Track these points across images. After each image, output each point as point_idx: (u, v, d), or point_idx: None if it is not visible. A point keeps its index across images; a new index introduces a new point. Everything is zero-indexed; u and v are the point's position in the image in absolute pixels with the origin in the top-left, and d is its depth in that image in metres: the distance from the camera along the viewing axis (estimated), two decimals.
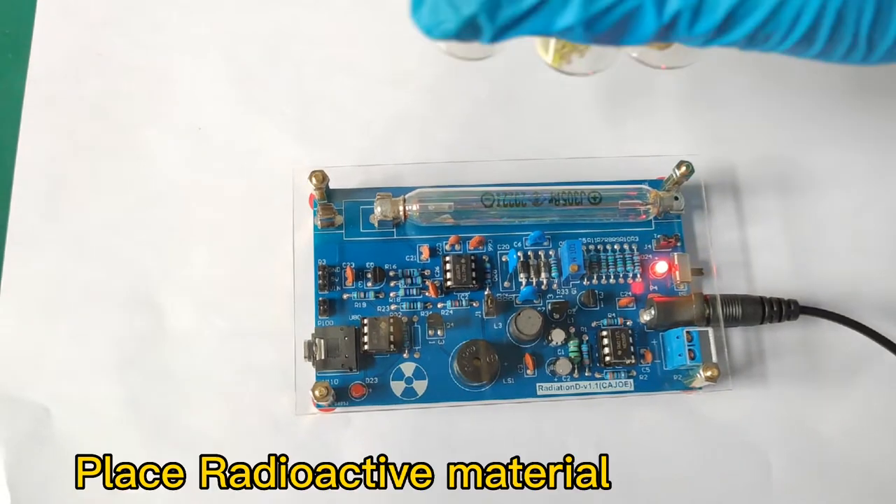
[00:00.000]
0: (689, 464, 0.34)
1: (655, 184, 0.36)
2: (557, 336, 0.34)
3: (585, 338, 0.34)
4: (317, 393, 0.31)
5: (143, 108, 0.38)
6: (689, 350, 0.33)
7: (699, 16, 0.21)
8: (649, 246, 0.36)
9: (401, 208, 0.34)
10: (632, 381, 0.34)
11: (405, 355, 0.34)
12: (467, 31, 0.21)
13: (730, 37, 0.22)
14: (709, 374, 0.32)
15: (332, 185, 0.34)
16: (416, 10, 0.21)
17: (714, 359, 0.34)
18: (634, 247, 0.36)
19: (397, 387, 0.33)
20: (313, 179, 0.33)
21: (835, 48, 0.23)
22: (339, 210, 0.35)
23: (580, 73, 0.31)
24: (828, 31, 0.22)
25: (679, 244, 0.36)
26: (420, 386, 0.33)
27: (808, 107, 0.39)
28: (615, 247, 0.36)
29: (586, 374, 0.34)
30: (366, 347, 0.33)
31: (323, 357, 0.32)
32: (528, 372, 0.34)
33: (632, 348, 0.34)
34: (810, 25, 0.22)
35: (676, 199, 0.36)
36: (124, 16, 0.39)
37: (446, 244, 0.35)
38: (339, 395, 0.33)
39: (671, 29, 0.21)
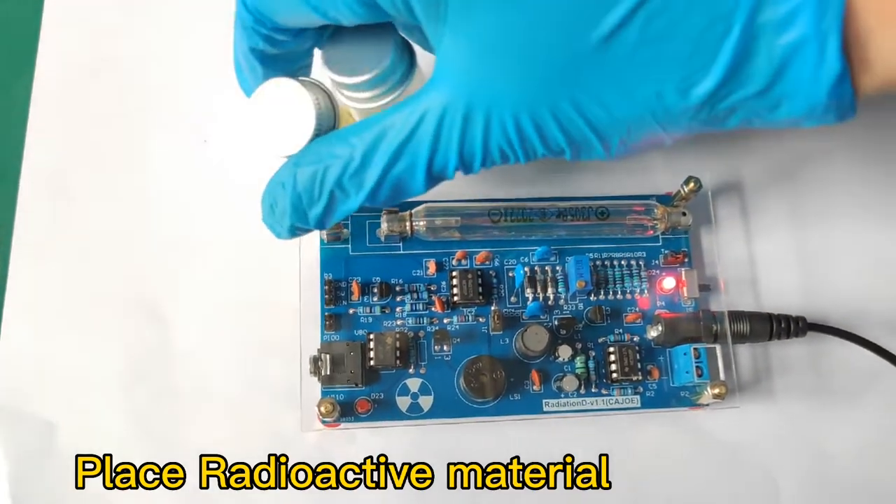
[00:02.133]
0: (695, 481, 0.34)
1: (663, 199, 0.36)
2: (564, 352, 0.34)
3: (592, 354, 0.34)
4: (322, 409, 0.31)
5: (149, 118, 0.38)
6: (697, 367, 0.33)
7: (463, 168, 0.25)
8: (657, 262, 0.36)
9: (407, 223, 0.34)
10: (638, 397, 0.34)
11: (411, 371, 0.34)
12: (299, 232, 0.27)
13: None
14: (716, 391, 0.32)
15: None
16: (266, 224, 0.28)
17: (721, 376, 0.34)
18: (642, 262, 0.36)
19: (403, 402, 0.33)
20: None
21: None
22: (345, 224, 0.35)
23: None
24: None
25: (686, 260, 0.36)
26: (426, 401, 0.33)
27: None
28: (622, 262, 0.35)
29: (593, 391, 0.34)
30: (372, 363, 0.33)
31: (328, 372, 0.32)
32: (535, 388, 0.34)
33: (639, 365, 0.34)
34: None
35: (684, 214, 0.35)
36: (131, 25, 0.39)
37: (453, 259, 0.35)
38: (344, 411, 0.33)
39: (440, 179, 0.26)
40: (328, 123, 0.27)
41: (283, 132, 0.27)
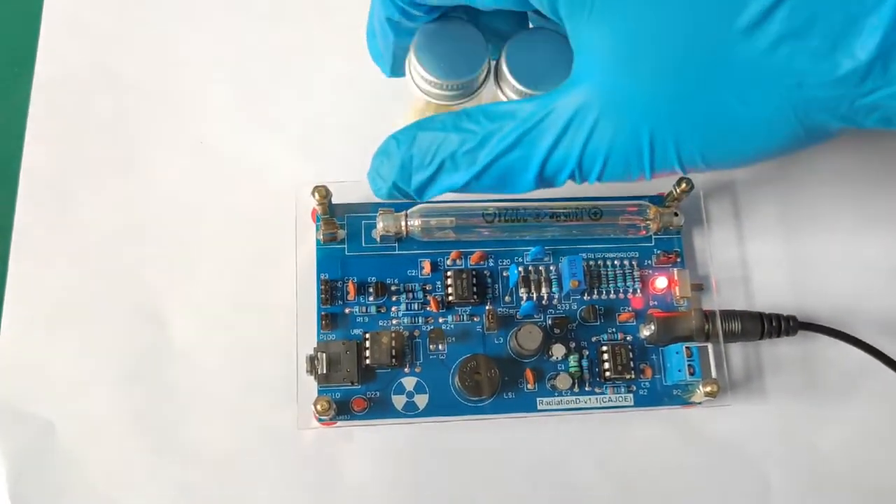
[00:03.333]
0: (688, 478, 0.34)
1: (656, 200, 0.36)
2: (558, 351, 0.34)
3: (586, 353, 0.35)
4: (318, 407, 0.31)
5: (147, 122, 0.38)
6: (689, 365, 0.34)
7: (578, 174, 0.25)
8: (649, 261, 0.36)
9: (403, 223, 0.34)
10: (632, 396, 0.34)
11: (406, 369, 0.34)
12: (398, 194, 0.27)
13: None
14: (708, 389, 0.33)
15: (334, 200, 0.35)
16: (369, 178, 0.28)
17: (713, 374, 0.34)
18: (634, 262, 0.36)
19: (398, 401, 0.34)
20: (316, 194, 0.34)
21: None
22: (341, 225, 0.35)
23: None
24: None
25: (679, 260, 0.36)
26: (421, 400, 0.34)
27: None
28: (615, 262, 0.36)
29: (586, 389, 0.34)
30: (367, 362, 0.33)
31: (325, 371, 0.33)
32: (529, 386, 0.34)
33: (632, 363, 0.34)
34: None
35: (676, 215, 0.36)
36: (130, 30, 0.39)
37: (448, 259, 0.35)
38: (340, 409, 0.33)
39: (550, 182, 0.26)
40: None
41: (457, 60, 0.29)
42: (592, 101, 0.23)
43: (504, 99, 0.32)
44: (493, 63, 0.31)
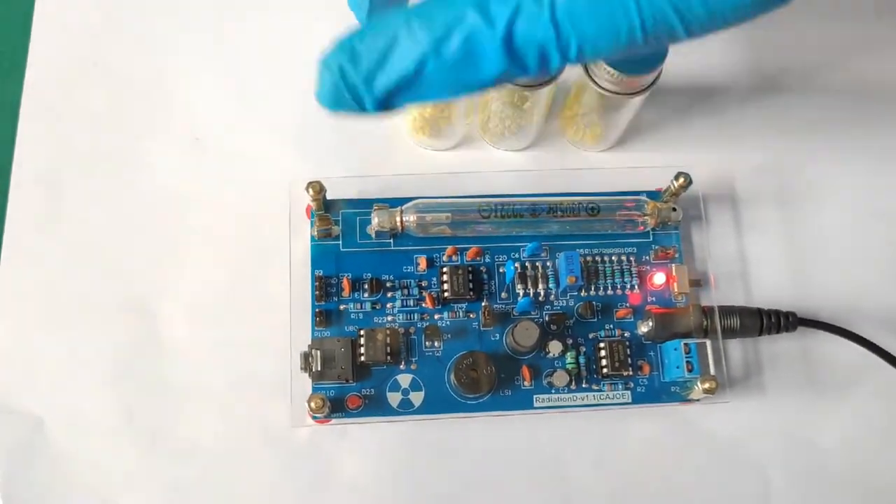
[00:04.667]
0: (686, 475, 0.34)
1: (653, 195, 0.36)
2: (554, 348, 0.34)
3: (583, 349, 0.34)
4: (312, 404, 0.31)
5: (140, 118, 0.38)
6: (687, 362, 0.33)
7: (555, 40, 0.21)
8: (647, 257, 0.36)
9: (398, 219, 0.34)
10: (629, 392, 0.34)
11: (402, 366, 0.34)
12: (346, 94, 0.22)
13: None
14: (706, 386, 0.32)
15: (329, 196, 0.34)
16: (317, 76, 0.23)
17: (712, 371, 0.34)
18: (632, 258, 0.36)
19: (394, 398, 0.33)
20: (310, 190, 0.33)
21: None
22: (335, 221, 0.35)
23: (436, 148, 0.38)
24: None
25: (677, 255, 0.36)
26: (417, 397, 0.33)
27: (806, 118, 0.39)
28: (613, 258, 0.36)
29: (584, 386, 0.34)
30: (362, 359, 0.33)
31: (319, 368, 0.32)
32: (525, 384, 0.34)
33: (629, 360, 0.34)
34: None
35: (674, 210, 0.36)
36: (122, 26, 0.39)
37: (443, 255, 0.35)
38: (335, 407, 0.33)
39: (522, 60, 0.22)
40: None
41: None
42: None
43: None
44: None
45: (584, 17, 0.21)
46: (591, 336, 0.35)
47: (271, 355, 0.34)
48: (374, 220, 0.34)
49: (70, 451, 0.33)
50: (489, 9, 0.21)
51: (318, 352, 0.33)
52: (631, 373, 0.34)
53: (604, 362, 0.34)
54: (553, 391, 0.34)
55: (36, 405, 0.33)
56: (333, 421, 0.33)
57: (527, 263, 0.35)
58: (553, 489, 0.34)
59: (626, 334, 0.35)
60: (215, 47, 0.39)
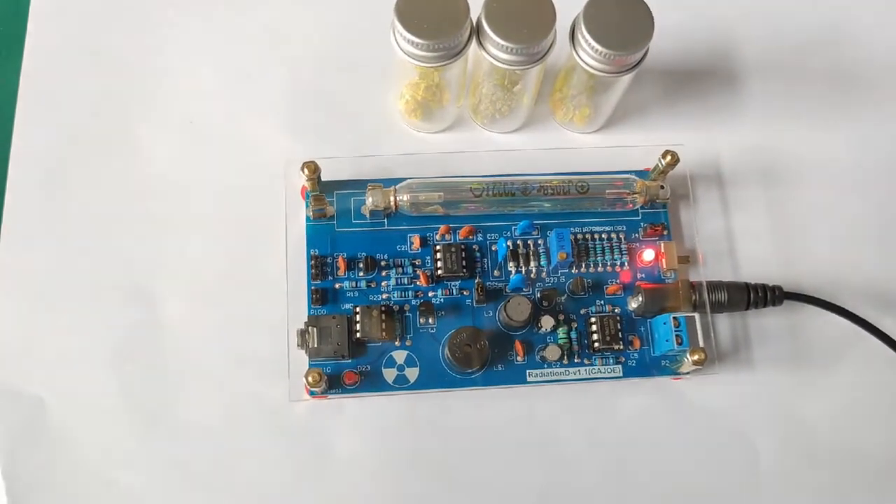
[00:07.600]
0: (677, 447, 0.35)
1: (642, 174, 0.37)
2: (547, 323, 0.34)
3: (574, 325, 0.35)
4: (310, 379, 0.32)
5: (136, 102, 0.38)
6: (677, 335, 0.34)
7: None
8: (636, 234, 0.36)
9: (392, 199, 0.35)
10: (620, 366, 0.35)
11: (397, 343, 0.34)
12: None
13: None
14: (696, 357, 0.33)
15: (323, 177, 0.35)
16: None
17: (701, 343, 0.34)
18: (622, 235, 0.36)
19: (389, 374, 0.34)
20: (305, 171, 0.34)
21: None
22: (330, 201, 0.35)
23: (429, 131, 0.38)
24: None
25: (666, 232, 0.37)
26: (412, 373, 0.34)
27: (792, 97, 0.40)
28: (603, 235, 0.36)
29: (575, 361, 0.35)
30: (358, 335, 0.33)
31: (315, 344, 0.33)
32: (518, 359, 0.34)
33: (620, 334, 0.34)
34: None
35: (662, 188, 0.36)
36: (117, 12, 0.39)
37: (437, 234, 0.36)
38: (331, 383, 0.33)
39: None
40: None
41: (440, 21, 0.31)
42: None
43: (488, 58, 0.32)
44: (474, 23, 0.31)
45: None
46: (582, 312, 0.35)
47: (269, 334, 0.34)
48: (369, 200, 0.35)
49: (71, 430, 0.33)
50: None
51: (315, 329, 0.33)
52: (622, 347, 0.34)
53: (595, 337, 0.34)
54: (545, 366, 0.34)
55: (36, 385, 0.34)
56: (330, 396, 0.34)
57: (518, 241, 0.36)
58: (546, 461, 0.34)
59: (617, 310, 0.35)
60: (209, 32, 0.39)
